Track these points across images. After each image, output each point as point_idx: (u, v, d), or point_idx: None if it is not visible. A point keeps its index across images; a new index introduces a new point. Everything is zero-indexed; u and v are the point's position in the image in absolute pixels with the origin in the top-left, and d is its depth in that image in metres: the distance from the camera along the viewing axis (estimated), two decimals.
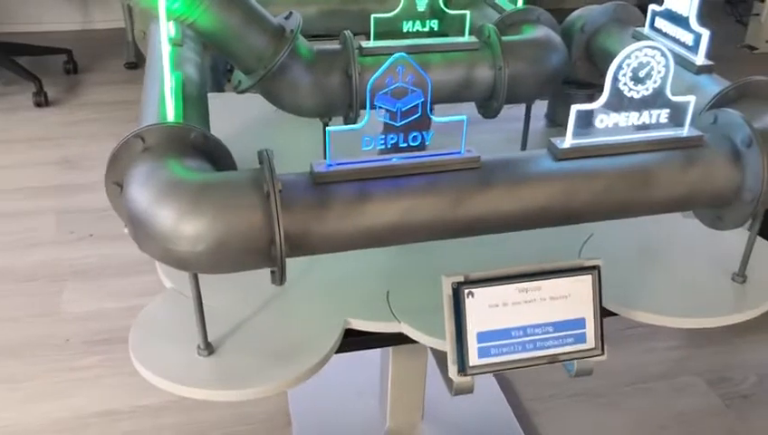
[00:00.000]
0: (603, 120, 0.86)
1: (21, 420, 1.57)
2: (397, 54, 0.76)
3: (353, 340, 0.96)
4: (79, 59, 3.30)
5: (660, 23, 1.16)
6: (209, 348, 0.89)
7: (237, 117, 1.44)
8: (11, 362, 1.72)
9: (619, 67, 0.84)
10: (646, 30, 1.19)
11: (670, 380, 1.77)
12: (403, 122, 0.79)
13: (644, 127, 0.89)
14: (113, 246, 2.09)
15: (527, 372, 1.73)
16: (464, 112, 1.23)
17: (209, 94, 1.14)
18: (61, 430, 1.55)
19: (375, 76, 0.76)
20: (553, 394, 1.70)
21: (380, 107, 0.77)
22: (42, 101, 2.97)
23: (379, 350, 1.47)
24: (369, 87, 0.76)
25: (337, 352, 0.93)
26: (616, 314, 1.01)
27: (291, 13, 1.11)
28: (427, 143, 0.81)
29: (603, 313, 0.89)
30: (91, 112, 2.93)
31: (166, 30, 0.91)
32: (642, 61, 0.84)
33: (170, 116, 0.87)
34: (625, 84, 0.85)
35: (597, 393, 1.70)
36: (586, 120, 0.86)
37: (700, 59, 1.08)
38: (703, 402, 1.72)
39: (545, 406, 1.67)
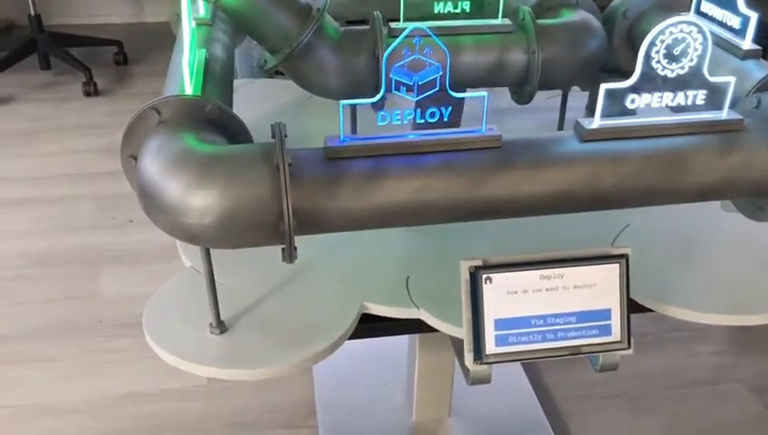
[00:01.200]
0: (634, 101, 0.82)
1: (51, 398, 1.59)
2: (413, 26, 0.73)
3: (370, 326, 0.93)
4: (129, 51, 3.36)
5: (706, 6, 1.11)
6: (221, 326, 0.88)
7: (271, 102, 1.43)
8: (44, 343, 1.74)
9: (652, 44, 0.79)
10: (691, 15, 1.14)
11: (712, 386, 1.69)
12: (420, 97, 0.76)
13: (679, 109, 0.84)
14: (152, 231, 2.09)
15: (561, 371, 1.70)
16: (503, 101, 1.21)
17: (243, 80, 1.13)
18: (89, 410, 1.57)
19: (391, 48, 0.73)
20: (588, 395, 1.64)
21: (396, 80, 0.74)
22: (91, 90, 3.03)
23: (406, 342, 1.44)
24: (384, 59, 0.73)
25: (353, 337, 0.91)
26: (650, 310, 0.96)
27: None
28: (445, 120, 0.78)
29: (632, 305, 0.84)
30: (137, 102, 2.94)
31: (187, 5, 0.90)
32: (678, 37, 0.79)
33: (187, 89, 0.85)
34: (658, 62, 0.80)
35: (634, 396, 1.64)
36: (616, 101, 0.82)
37: (747, 43, 1.02)
38: (745, 411, 1.64)
39: (579, 406, 1.62)
